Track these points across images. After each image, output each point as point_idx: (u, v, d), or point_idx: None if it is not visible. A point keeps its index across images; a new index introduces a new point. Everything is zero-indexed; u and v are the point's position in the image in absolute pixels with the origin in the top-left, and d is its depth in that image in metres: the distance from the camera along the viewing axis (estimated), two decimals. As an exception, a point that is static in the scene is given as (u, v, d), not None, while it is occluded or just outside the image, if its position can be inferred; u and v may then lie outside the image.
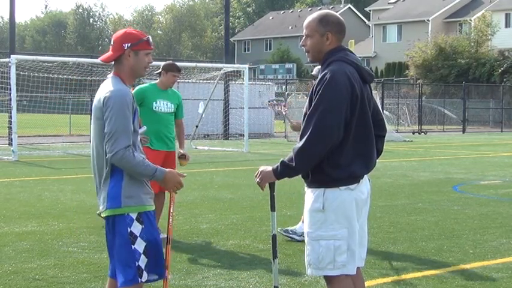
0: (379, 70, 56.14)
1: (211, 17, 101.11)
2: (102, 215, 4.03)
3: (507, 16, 53.54)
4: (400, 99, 42.19)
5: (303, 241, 4.22)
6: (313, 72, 6.31)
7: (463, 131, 39.17)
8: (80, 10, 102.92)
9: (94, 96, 4.14)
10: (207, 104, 23.76)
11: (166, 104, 7.73)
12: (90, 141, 4.18)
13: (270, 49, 73.10)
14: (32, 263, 6.53)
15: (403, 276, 6.20)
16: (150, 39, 4.04)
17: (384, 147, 4.34)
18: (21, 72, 21.62)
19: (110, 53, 4.01)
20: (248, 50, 77.14)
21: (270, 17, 79.87)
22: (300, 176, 4.04)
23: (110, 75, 4.03)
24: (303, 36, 4.11)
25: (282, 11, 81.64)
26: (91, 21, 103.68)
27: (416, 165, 17.05)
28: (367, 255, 4.25)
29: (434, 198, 11.15)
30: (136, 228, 3.93)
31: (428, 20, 58.10)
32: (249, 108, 23.56)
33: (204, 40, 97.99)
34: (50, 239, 7.66)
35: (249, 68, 26.91)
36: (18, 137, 19.57)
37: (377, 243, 7.52)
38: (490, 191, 12.27)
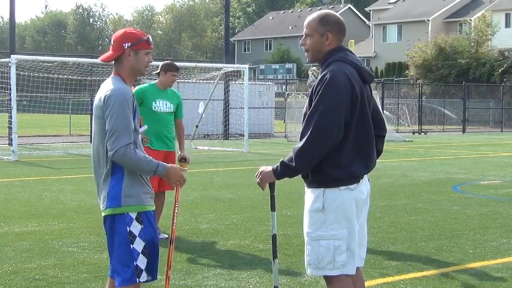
0: (379, 70, 56.14)
1: (211, 17, 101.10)
2: (102, 214, 4.03)
3: (507, 16, 53.54)
4: (400, 99, 42.19)
5: None
6: (308, 82, 6.30)
7: (463, 131, 39.16)
8: (80, 10, 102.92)
9: (94, 96, 4.15)
10: (207, 104, 23.76)
11: (166, 104, 7.73)
12: (90, 141, 4.19)
13: (270, 49, 73.12)
14: (32, 263, 6.53)
15: (403, 276, 6.20)
16: (150, 39, 4.05)
17: (384, 147, 4.34)
18: (21, 72, 21.63)
19: (110, 52, 4.02)
20: (248, 50, 77.16)
21: (270, 17, 79.87)
22: (300, 176, 4.05)
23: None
24: (303, 35, 4.11)
25: (282, 11, 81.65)
26: (91, 21, 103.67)
27: (416, 165, 17.05)
28: (367, 255, 4.25)
29: (434, 198, 11.15)
30: (136, 227, 3.93)
31: (428, 20, 58.10)
32: (249, 108, 23.56)
33: (204, 40, 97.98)
34: (50, 239, 7.66)
35: (249, 68, 26.91)
36: (18, 137, 19.57)
37: (377, 243, 7.51)
38: (490, 191, 12.27)
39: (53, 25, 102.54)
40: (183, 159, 7.52)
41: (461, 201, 10.94)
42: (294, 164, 3.89)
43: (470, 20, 53.49)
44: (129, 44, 3.96)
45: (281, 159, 3.98)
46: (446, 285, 5.94)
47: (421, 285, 5.94)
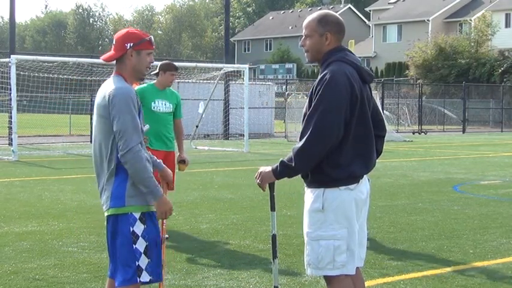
0: (379, 70, 56.13)
1: (211, 17, 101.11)
2: (105, 214, 4.01)
3: (507, 16, 53.54)
4: (400, 99, 42.19)
5: None
6: None
7: (463, 131, 39.16)
8: (80, 10, 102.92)
9: (94, 96, 4.15)
10: (207, 104, 23.77)
11: (165, 104, 7.73)
12: (90, 141, 4.19)
13: (270, 49, 73.12)
14: (32, 263, 6.53)
15: (403, 276, 6.20)
16: (152, 39, 4.05)
17: (384, 147, 4.34)
18: (21, 72, 21.63)
19: (111, 52, 4.02)
20: (248, 50, 77.15)
21: (270, 17, 79.86)
22: (300, 176, 4.05)
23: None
24: (302, 36, 4.11)
25: (282, 11, 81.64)
26: (91, 21, 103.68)
27: (416, 165, 17.05)
28: (367, 255, 4.25)
29: (434, 198, 11.15)
30: (139, 227, 3.93)
31: (428, 20, 58.10)
32: (249, 108, 23.56)
33: (204, 40, 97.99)
34: (50, 239, 7.66)
35: (249, 68, 26.90)
36: (18, 137, 19.57)
37: (377, 243, 7.52)
38: (490, 191, 12.27)
39: (53, 25, 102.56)
40: (182, 161, 7.52)
41: (461, 201, 10.94)
42: (293, 164, 3.89)
43: (470, 20, 53.49)
44: (132, 44, 3.96)
45: (280, 159, 3.98)
46: (446, 285, 5.94)
47: (421, 285, 5.94)
